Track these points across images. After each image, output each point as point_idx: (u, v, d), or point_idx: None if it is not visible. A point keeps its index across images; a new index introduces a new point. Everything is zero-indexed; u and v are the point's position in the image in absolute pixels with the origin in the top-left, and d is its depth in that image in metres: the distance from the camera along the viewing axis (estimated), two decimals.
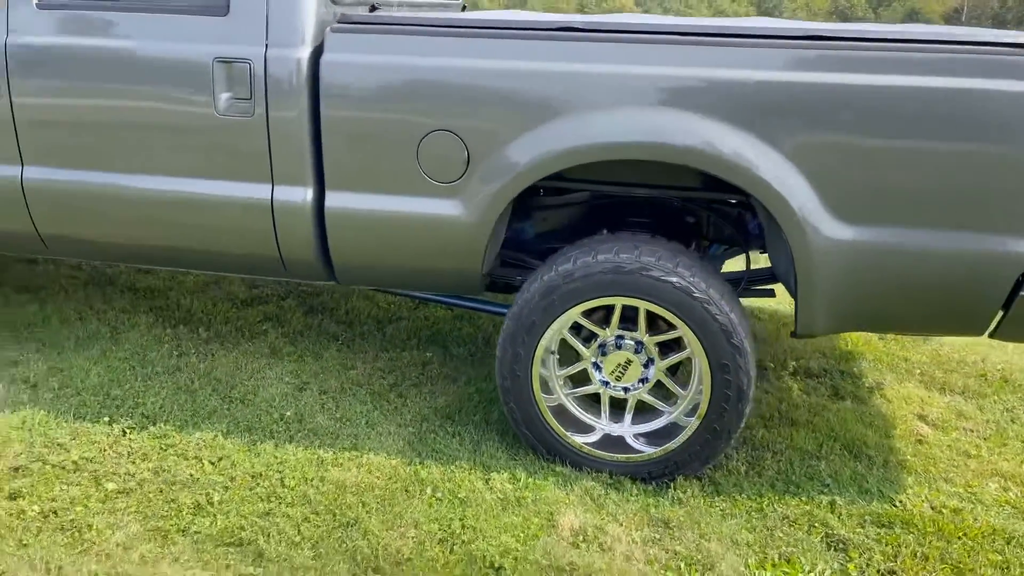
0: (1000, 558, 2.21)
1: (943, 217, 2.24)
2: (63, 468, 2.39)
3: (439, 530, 2.21)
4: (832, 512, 2.39)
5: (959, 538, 2.29)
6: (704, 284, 2.32)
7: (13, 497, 2.25)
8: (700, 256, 2.54)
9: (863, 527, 2.34)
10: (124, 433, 2.60)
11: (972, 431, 2.96)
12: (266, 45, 2.42)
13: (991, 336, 2.41)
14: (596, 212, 2.90)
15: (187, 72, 2.48)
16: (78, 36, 2.57)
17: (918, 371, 3.45)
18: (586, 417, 2.58)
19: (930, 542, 2.26)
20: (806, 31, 2.27)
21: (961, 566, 2.17)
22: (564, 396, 2.56)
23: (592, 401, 2.60)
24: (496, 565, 2.08)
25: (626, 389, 2.52)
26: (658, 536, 2.25)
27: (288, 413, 2.78)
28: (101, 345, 3.17)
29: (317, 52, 2.43)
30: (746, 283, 2.98)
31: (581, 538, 2.21)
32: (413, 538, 2.17)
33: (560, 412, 2.56)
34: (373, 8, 2.76)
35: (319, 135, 2.47)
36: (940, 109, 2.16)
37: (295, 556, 2.08)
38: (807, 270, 2.31)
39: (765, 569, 2.14)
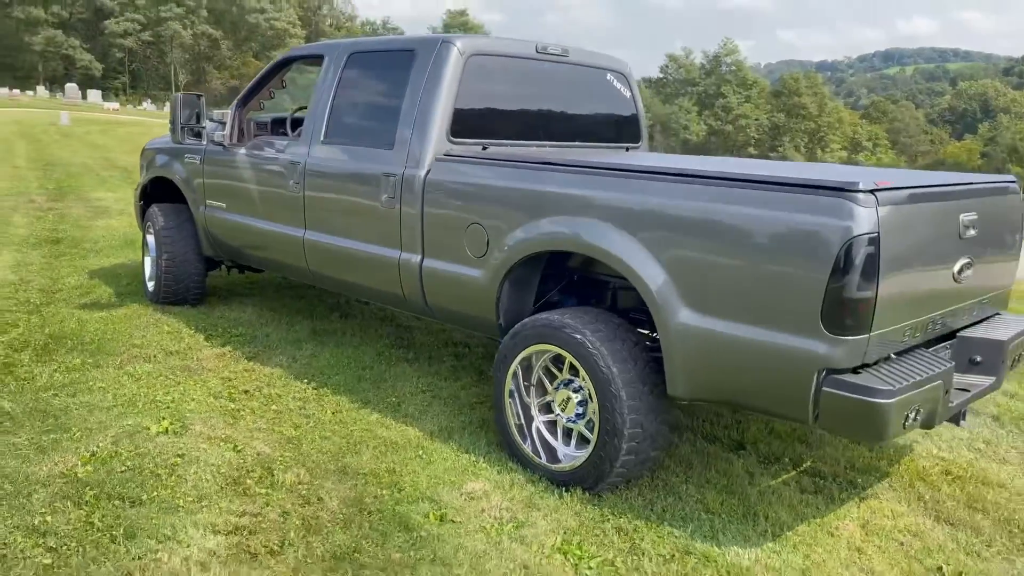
0: None
1: (757, 316, 2.88)
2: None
3: (398, 465, 3.48)
4: (649, 532, 3.04)
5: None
6: (599, 342, 3.25)
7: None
8: (619, 322, 3.40)
9: (663, 549, 2.95)
10: (318, 388, 4.37)
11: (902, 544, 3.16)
12: (405, 167, 4.08)
13: (817, 425, 2.87)
14: (572, 288, 3.91)
15: (372, 180, 4.26)
16: (326, 158, 4.55)
17: (925, 493, 3.55)
18: (541, 426, 3.58)
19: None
20: (676, 168, 3.17)
21: None
22: (536, 415, 3.60)
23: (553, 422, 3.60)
24: (400, 486, 3.29)
25: (571, 418, 3.48)
26: (518, 510, 3.19)
27: (392, 399, 4.28)
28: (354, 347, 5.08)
29: (428, 172, 4.00)
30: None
31: (472, 496, 3.27)
32: (387, 467, 3.47)
33: (522, 428, 3.61)
34: (484, 147, 4.23)
35: (424, 223, 4.02)
36: (740, 231, 2.88)
37: (324, 437, 3.55)
38: (667, 344, 3.11)
39: (570, 546, 2.95)
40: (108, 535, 2.80)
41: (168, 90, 79.26)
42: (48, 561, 2.64)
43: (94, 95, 61.34)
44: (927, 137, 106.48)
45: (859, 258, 2.67)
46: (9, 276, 6.46)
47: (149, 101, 70.03)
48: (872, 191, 2.71)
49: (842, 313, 2.71)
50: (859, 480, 3.69)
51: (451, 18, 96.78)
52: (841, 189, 2.71)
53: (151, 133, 26.91)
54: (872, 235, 2.68)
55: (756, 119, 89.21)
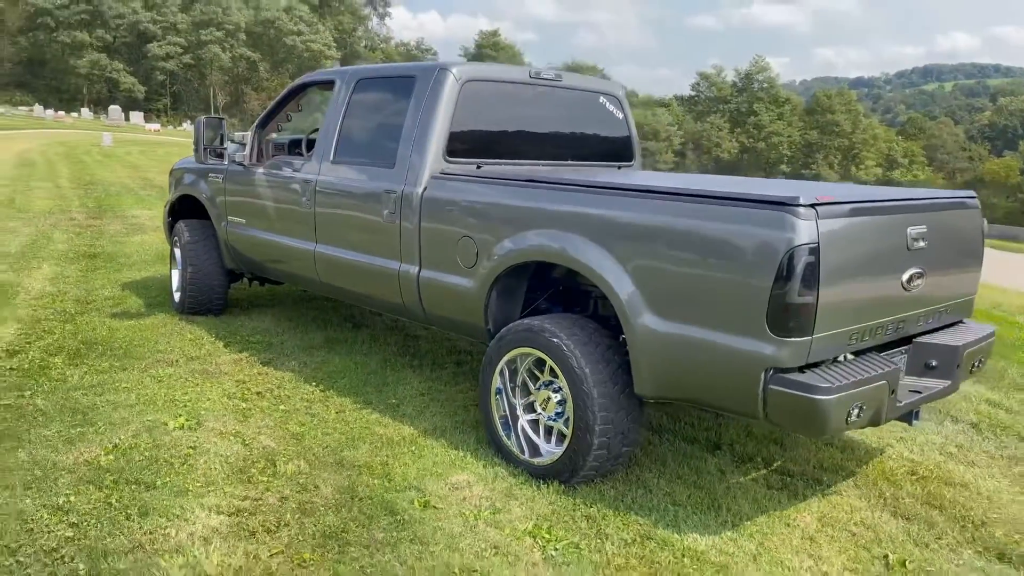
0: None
1: (711, 320, 3.14)
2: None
3: (391, 459, 3.77)
4: (616, 520, 3.29)
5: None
6: (574, 345, 3.52)
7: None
8: (594, 327, 3.67)
9: (626, 534, 3.20)
10: (324, 390, 4.69)
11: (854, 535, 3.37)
12: (404, 183, 4.40)
13: (767, 421, 3.11)
14: (558, 297, 4.19)
15: (373, 197, 4.59)
16: (335, 177, 4.89)
17: (887, 491, 3.75)
18: (525, 425, 3.86)
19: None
20: (643, 185, 3.45)
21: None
22: (521, 414, 3.88)
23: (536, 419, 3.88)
24: (390, 476, 3.58)
25: (551, 416, 3.76)
26: (497, 499, 3.46)
27: (393, 400, 4.59)
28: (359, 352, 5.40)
29: (425, 190, 4.32)
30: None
31: (456, 487, 3.55)
32: (381, 460, 3.77)
33: (506, 423, 3.89)
34: (478, 166, 4.54)
35: (421, 236, 4.34)
36: (696, 242, 3.15)
37: (326, 434, 3.87)
38: (634, 347, 3.38)
39: (540, 531, 3.22)
40: (124, 513, 3.14)
41: (208, 111, 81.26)
42: (70, 534, 2.97)
43: (136, 116, 63.17)
44: (965, 154, 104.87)
45: (800, 266, 2.92)
46: (47, 288, 6.91)
47: (188, 122, 71.78)
48: (812, 205, 2.96)
49: (785, 317, 2.96)
50: (825, 478, 3.91)
51: (483, 39, 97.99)
52: (783, 204, 2.97)
53: (188, 153, 27.79)
54: (812, 245, 2.93)
55: (788, 136, 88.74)
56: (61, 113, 60.31)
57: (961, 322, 4.04)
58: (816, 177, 79.09)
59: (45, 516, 3.09)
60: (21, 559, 2.80)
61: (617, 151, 5.38)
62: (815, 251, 2.93)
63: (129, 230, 10.56)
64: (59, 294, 6.72)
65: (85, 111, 65.67)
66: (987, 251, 13.24)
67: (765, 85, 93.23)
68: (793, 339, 2.98)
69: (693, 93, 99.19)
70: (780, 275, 2.93)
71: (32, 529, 3.00)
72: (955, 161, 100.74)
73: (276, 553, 2.94)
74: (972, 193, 4.05)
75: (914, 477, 4.00)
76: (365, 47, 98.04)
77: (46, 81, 77.96)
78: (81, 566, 2.77)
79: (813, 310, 2.98)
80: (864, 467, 4.08)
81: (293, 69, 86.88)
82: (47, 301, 6.45)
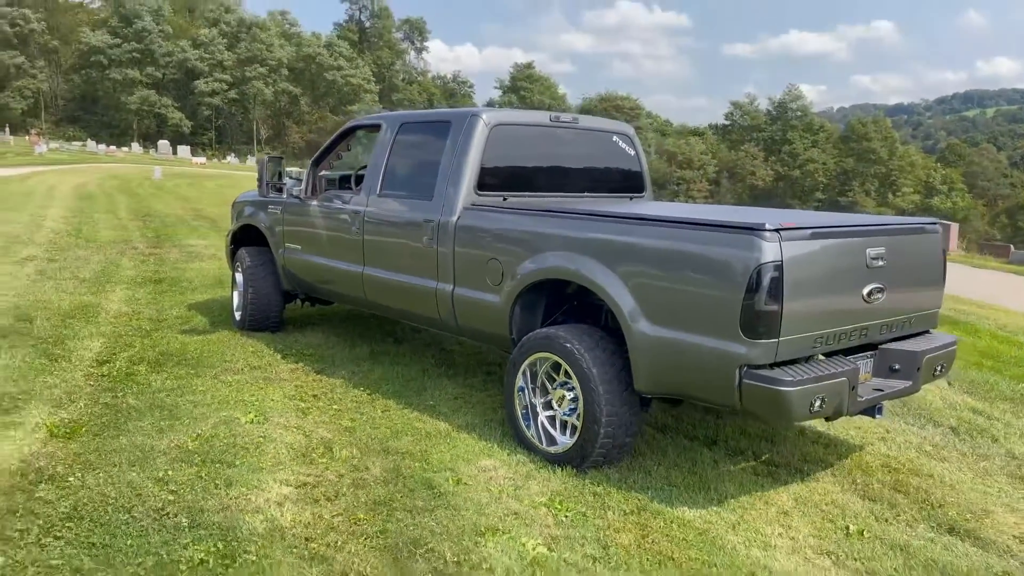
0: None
1: (695, 325, 3.77)
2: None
3: (429, 447, 4.43)
4: (618, 496, 3.90)
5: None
6: (584, 349, 4.17)
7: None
8: (600, 335, 4.30)
9: (625, 506, 3.81)
10: (371, 394, 5.38)
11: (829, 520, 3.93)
12: (441, 213, 5.11)
13: (744, 411, 3.72)
14: (573, 310, 4.81)
15: (413, 225, 5.30)
16: (381, 208, 5.62)
17: (860, 479, 4.30)
18: (544, 420, 4.49)
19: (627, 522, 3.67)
20: (640, 214, 4.11)
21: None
22: (540, 411, 4.52)
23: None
24: (429, 461, 4.24)
25: (565, 412, 4.39)
26: (518, 479, 4.10)
27: (430, 402, 5.26)
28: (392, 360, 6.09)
29: (458, 219, 5.02)
30: None
31: (484, 469, 4.19)
32: (420, 448, 4.43)
33: (526, 416, 4.53)
34: (504, 199, 5.22)
35: (455, 259, 5.03)
36: (682, 261, 3.79)
37: (374, 428, 4.54)
38: (632, 350, 4.02)
39: (553, 502, 3.84)
40: (212, 484, 3.83)
41: (250, 144, 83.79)
42: (171, 498, 3.67)
43: (183, 150, 65.49)
44: (1007, 180, 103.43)
45: (766, 280, 3.54)
46: (124, 308, 7.74)
47: (233, 155, 74.22)
48: (777, 230, 3.59)
49: (755, 323, 3.58)
50: (806, 468, 4.48)
51: (517, 71, 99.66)
52: (752, 229, 3.60)
53: (234, 186, 29.04)
54: (776, 263, 3.55)
55: (823, 164, 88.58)
56: (112, 148, 62.80)
57: (927, 332, 4.60)
58: (852, 204, 78.69)
59: (149, 485, 3.80)
60: (135, 515, 3.50)
61: (629, 184, 6.05)
62: (779, 267, 3.55)
63: (187, 258, 11.44)
64: (134, 314, 7.53)
65: (135, 145, 68.23)
66: (1010, 277, 13.75)
67: (799, 113, 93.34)
68: (762, 341, 3.59)
69: (727, 122, 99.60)
70: (750, 288, 3.56)
71: (140, 494, 3.70)
72: (996, 188, 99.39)
73: (336, 515, 3.60)
74: (934, 220, 4.63)
75: (887, 469, 4.55)
76: (403, 80, 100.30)
77: (98, 117, 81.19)
78: (183, 520, 3.46)
79: (779, 317, 3.59)
80: (843, 460, 4.64)
81: (333, 102, 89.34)
82: (124, 320, 7.26)
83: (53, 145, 55.89)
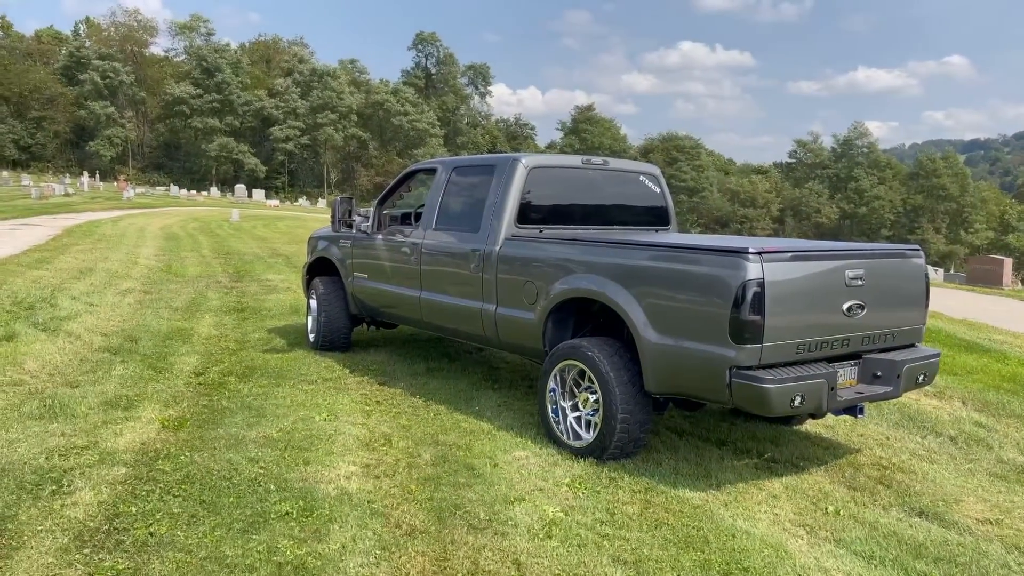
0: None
1: (693, 333, 4.48)
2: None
3: (472, 441, 5.20)
4: (629, 480, 4.59)
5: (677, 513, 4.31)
6: (603, 356, 4.91)
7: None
8: (618, 345, 5.03)
9: (635, 486, 4.49)
10: (425, 401, 6.20)
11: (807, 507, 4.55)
12: (486, 244, 5.94)
13: (735, 406, 4.39)
14: (599, 325, 5.52)
15: (463, 255, 6.15)
16: (436, 240, 6.49)
17: (849, 473, 4.88)
18: (571, 420, 5.22)
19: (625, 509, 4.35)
20: (647, 242, 4.86)
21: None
22: (568, 412, 5.25)
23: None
24: (471, 450, 5.00)
25: (589, 412, 5.12)
26: (546, 465, 4.83)
27: (476, 408, 6.04)
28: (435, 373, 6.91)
29: (500, 248, 5.84)
30: None
31: (517, 458, 4.94)
32: (465, 442, 5.20)
33: (556, 415, 5.26)
34: (541, 231, 6.02)
35: (497, 283, 5.85)
36: (682, 280, 4.52)
37: (426, 426, 5.34)
38: (642, 356, 4.75)
39: (574, 483, 4.55)
40: (293, 462, 4.69)
41: (320, 187, 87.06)
42: (262, 472, 4.53)
43: (258, 193, 68.58)
44: None
45: (750, 295, 4.24)
46: (213, 332, 8.78)
47: (304, 198, 77.32)
48: (759, 252, 4.29)
49: (741, 330, 4.27)
50: (802, 464, 5.10)
51: (579, 113, 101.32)
52: (739, 252, 4.32)
53: (305, 226, 30.67)
54: (758, 280, 4.25)
55: (890, 201, 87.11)
56: (193, 192, 66.24)
57: (913, 345, 5.19)
58: (922, 242, 77.02)
59: (244, 463, 4.67)
60: (234, 482, 4.37)
61: (655, 217, 6.80)
62: (761, 284, 4.25)
63: (266, 290, 12.56)
64: (222, 336, 8.56)
65: (213, 190, 71.72)
66: None
67: (865, 150, 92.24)
68: (748, 346, 4.28)
69: (791, 160, 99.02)
70: (736, 301, 4.26)
71: (237, 469, 4.57)
72: None
73: (393, 486, 4.41)
74: (916, 247, 5.25)
75: (877, 467, 5.12)
76: (467, 124, 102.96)
77: (180, 163, 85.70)
78: (271, 486, 4.32)
79: (761, 325, 4.27)
80: (838, 460, 5.24)
81: (400, 146, 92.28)
82: (214, 341, 8.29)
83: (139, 190, 59.34)
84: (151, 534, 3.73)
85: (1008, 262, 22.13)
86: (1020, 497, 4.73)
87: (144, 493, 4.19)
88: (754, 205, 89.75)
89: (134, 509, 3.99)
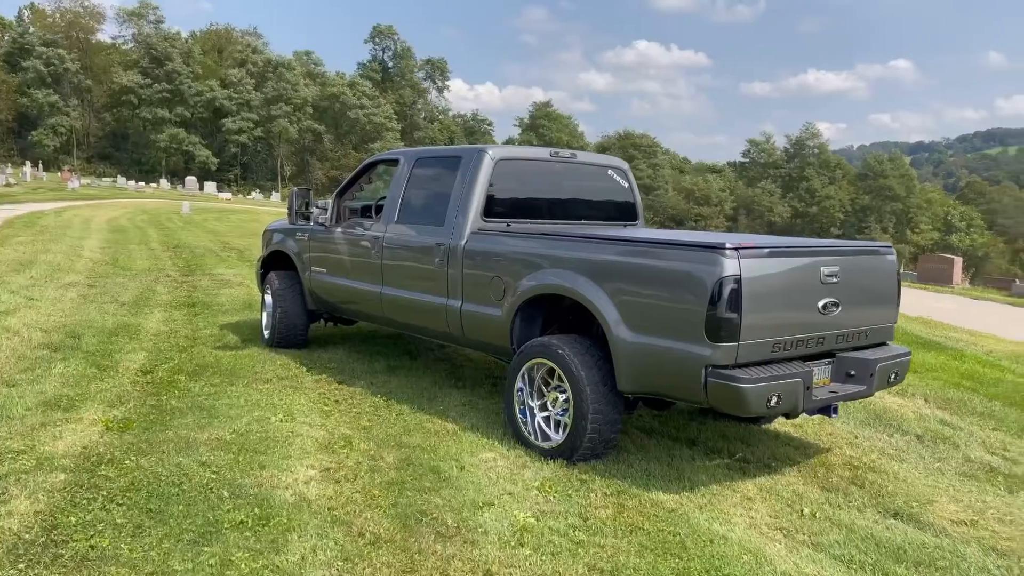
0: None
1: (668, 331, 4.34)
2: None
3: (437, 442, 4.99)
4: (601, 482, 4.43)
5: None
6: (573, 354, 4.74)
7: None
8: (589, 343, 4.87)
9: (607, 489, 4.34)
10: (387, 400, 5.97)
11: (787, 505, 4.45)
12: (451, 237, 5.73)
13: (710, 407, 4.26)
14: (569, 322, 5.37)
15: (427, 249, 5.93)
16: (398, 233, 6.26)
17: (822, 474, 4.81)
18: (539, 420, 5.05)
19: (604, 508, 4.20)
20: (620, 236, 4.71)
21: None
22: (537, 412, 5.08)
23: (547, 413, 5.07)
24: (436, 452, 4.80)
25: (559, 412, 4.95)
26: (514, 468, 4.65)
27: (440, 407, 5.83)
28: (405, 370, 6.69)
29: (466, 242, 5.64)
30: None
31: (484, 460, 4.75)
32: (430, 443, 5.00)
33: (523, 416, 5.08)
34: (508, 224, 5.83)
35: (463, 278, 5.64)
36: (656, 276, 4.38)
37: (388, 427, 5.11)
38: (615, 354, 4.59)
39: (544, 486, 4.38)
40: (248, 466, 4.43)
41: (274, 180, 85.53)
42: (214, 477, 4.26)
43: (210, 186, 67.11)
44: None
45: (727, 292, 4.11)
46: (162, 327, 8.41)
47: (257, 191, 75.83)
48: (736, 248, 4.16)
49: (717, 328, 4.14)
50: (774, 464, 5.00)
51: (537, 109, 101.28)
52: (715, 247, 4.19)
53: (258, 220, 30.01)
54: (735, 276, 4.12)
55: (840, 201, 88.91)
56: (142, 184, 64.52)
57: (884, 344, 5.13)
58: (871, 240, 78.72)
59: (195, 467, 4.39)
60: (184, 488, 4.10)
61: (623, 212, 6.66)
62: (738, 281, 4.12)
63: (218, 285, 12.15)
64: (171, 332, 8.20)
65: (163, 182, 70.04)
66: (1007, 308, 14.29)
67: (816, 151, 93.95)
68: (724, 344, 4.15)
69: (745, 159, 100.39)
70: (712, 298, 4.13)
71: (187, 474, 4.30)
72: (1018, 226, 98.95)
73: (355, 491, 4.18)
74: (888, 244, 5.19)
75: (848, 466, 5.05)
76: (424, 118, 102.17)
77: (128, 154, 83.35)
78: (225, 493, 4.05)
79: (738, 323, 4.15)
80: (810, 459, 5.16)
81: (356, 140, 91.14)
82: (163, 337, 7.92)
83: (85, 181, 57.58)
84: (92, 547, 3.45)
85: (958, 261, 22.64)
86: (992, 497, 4.70)
87: (85, 502, 3.89)
88: (708, 203, 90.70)
89: (74, 519, 3.70)
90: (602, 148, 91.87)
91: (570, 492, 4.32)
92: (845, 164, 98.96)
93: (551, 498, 4.23)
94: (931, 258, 26.06)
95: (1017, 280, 26.95)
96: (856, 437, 5.71)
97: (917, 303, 15.14)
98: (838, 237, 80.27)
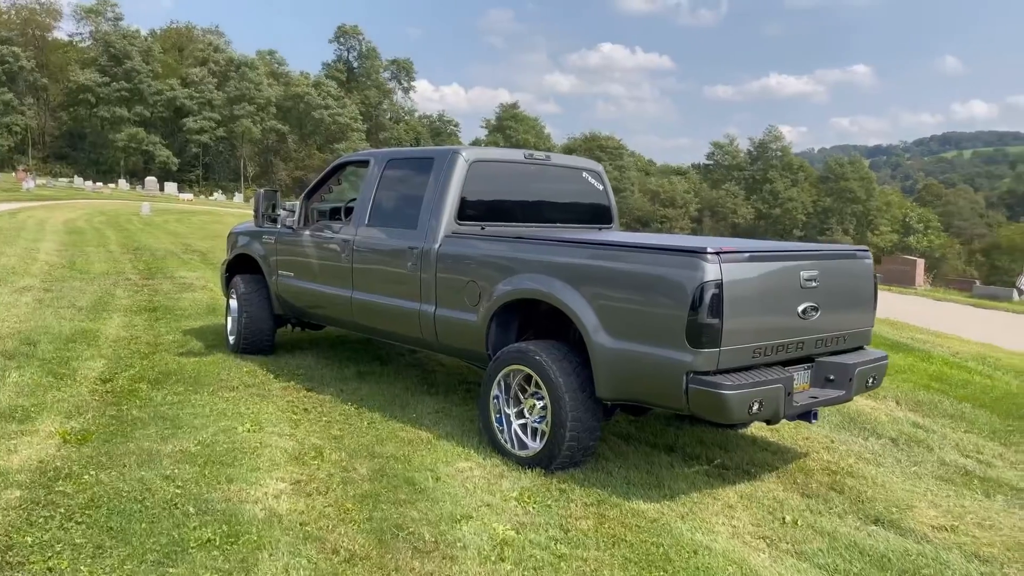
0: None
1: (648, 337, 4.26)
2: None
3: (411, 452, 4.86)
4: (580, 491, 4.34)
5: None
6: (551, 360, 4.64)
7: None
8: (567, 348, 4.77)
9: (587, 499, 4.25)
10: (358, 408, 5.81)
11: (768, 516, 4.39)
12: (424, 241, 5.60)
13: (691, 413, 4.19)
14: (546, 327, 5.27)
15: (399, 252, 5.79)
16: (369, 237, 6.11)
17: (801, 480, 4.77)
18: (516, 427, 4.94)
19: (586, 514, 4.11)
20: (599, 240, 4.61)
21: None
22: (513, 419, 4.97)
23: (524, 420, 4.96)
24: (411, 462, 4.67)
25: (536, 419, 4.84)
26: (492, 478, 4.53)
27: (413, 415, 5.69)
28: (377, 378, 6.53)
29: (440, 246, 5.51)
30: None
31: (461, 470, 4.63)
32: (403, 453, 4.86)
33: (500, 423, 4.97)
34: (483, 227, 5.72)
35: (437, 282, 5.51)
36: (636, 280, 4.29)
37: (360, 436, 4.96)
38: (594, 360, 4.49)
39: (522, 496, 4.27)
40: (215, 480, 4.25)
41: (237, 181, 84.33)
42: (179, 491, 4.08)
43: (170, 187, 65.95)
44: (983, 220, 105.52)
45: (708, 297, 4.04)
46: (122, 333, 8.14)
47: (220, 192, 74.72)
48: (717, 252, 4.10)
49: (699, 334, 4.07)
50: (753, 471, 4.95)
51: (504, 110, 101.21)
52: (696, 252, 4.12)
53: (222, 221, 29.53)
54: (717, 281, 4.05)
55: (802, 203, 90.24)
56: (100, 184, 63.16)
57: (861, 348, 5.11)
58: (832, 243, 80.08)
59: (158, 481, 4.21)
60: (147, 504, 3.91)
61: (597, 215, 6.58)
62: (719, 286, 4.06)
63: (180, 288, 11.85)
64: (132, 338, 7.94)
65: (122, 182, 68.65)
66: (969, 309, 14.47)
67: (779, 153, 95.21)
68: (705, 350, 4.08)
69: (709, 162, 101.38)
70: (694, 303, 4.05)
71: (150, 489, 4.11)
72: (973, 227, 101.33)
73: (328, 505, 4.03)
74: (865, 248, 5.18)
75: (826, 472, 5.02)
76: (390, 119, 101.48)
77: (86, 154, 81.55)
78: (190, 508, 3.88)
79: (719, 329, 4.08)
80: (788, 465, 5.11)
81: (320, 140, 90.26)
82: (123, 343, 7.67)
83: (40, 181, 56.18)
84: (50, 569, 3.26)
85: (921, 263, 23.03)
86: (969, 502, 4.69)
87: (42, 520, 3.69)
88: (673, 205, 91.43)
89: (30, 539, 3.50)
90: (569, 150, 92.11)
91: (549, 503, 4.22)
92: (807, 167, 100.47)
93: (530, 509, 4.12)
94: (894, 259, 26.49)
95: (977, 282, 27.52)
96: (832, 441, 5.69)
97: (882, 304, 15.29)
98: (801, 238, 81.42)
